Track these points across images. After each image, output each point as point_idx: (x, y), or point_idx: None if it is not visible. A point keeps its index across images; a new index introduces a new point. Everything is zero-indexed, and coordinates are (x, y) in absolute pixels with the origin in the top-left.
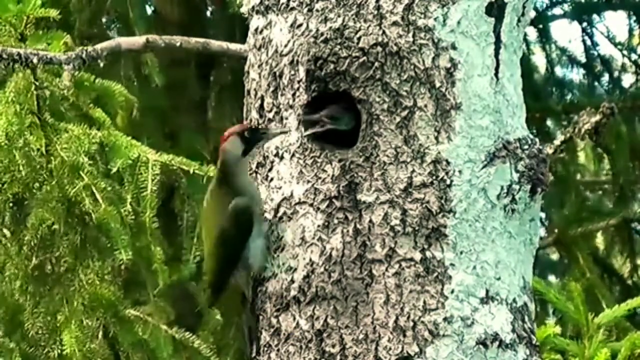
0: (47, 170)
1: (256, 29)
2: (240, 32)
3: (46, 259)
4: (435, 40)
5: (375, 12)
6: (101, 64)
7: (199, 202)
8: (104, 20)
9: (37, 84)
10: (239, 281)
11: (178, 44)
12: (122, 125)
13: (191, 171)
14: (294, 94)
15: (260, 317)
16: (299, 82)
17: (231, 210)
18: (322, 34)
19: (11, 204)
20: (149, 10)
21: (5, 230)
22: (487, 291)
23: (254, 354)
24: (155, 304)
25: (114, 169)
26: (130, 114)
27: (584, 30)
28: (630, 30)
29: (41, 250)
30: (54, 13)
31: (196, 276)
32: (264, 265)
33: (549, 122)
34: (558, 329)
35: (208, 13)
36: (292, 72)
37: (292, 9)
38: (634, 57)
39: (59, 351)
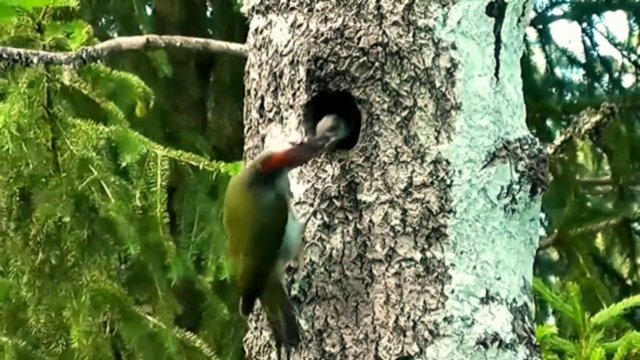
0: (54, 164)
1: (256, 29)
2: (240, 32)
3: (52, 254)
4: (436, 40)
5: (376, 12)
6: (101, 64)
7: (203, 200)
8: (103, 20)
9: (49, 76)
10: (277, 273)
11: (178, 44)
12: (142, 116)
13: (200, 167)
14: (294, 94)
15: (264, 316)
16: (299, 82)
17: (271, 200)
18: (322, 34)
19: (18, 198)
20: (149, 10)
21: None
22: (487, 291)
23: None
24: (164, 299)
25: (123, 164)
26: (147, 105)
27: (583, 30)
28: (630, 31)
29: (47, 245)
30: (73, 3)
31: (194, 275)
32: (299, 250)
33: (549, 122)
34: (555, 329)
35: (208, 13)
36: (292, 72)
37: (292, 9)
38: (633, 57)
39: (64, 347)
